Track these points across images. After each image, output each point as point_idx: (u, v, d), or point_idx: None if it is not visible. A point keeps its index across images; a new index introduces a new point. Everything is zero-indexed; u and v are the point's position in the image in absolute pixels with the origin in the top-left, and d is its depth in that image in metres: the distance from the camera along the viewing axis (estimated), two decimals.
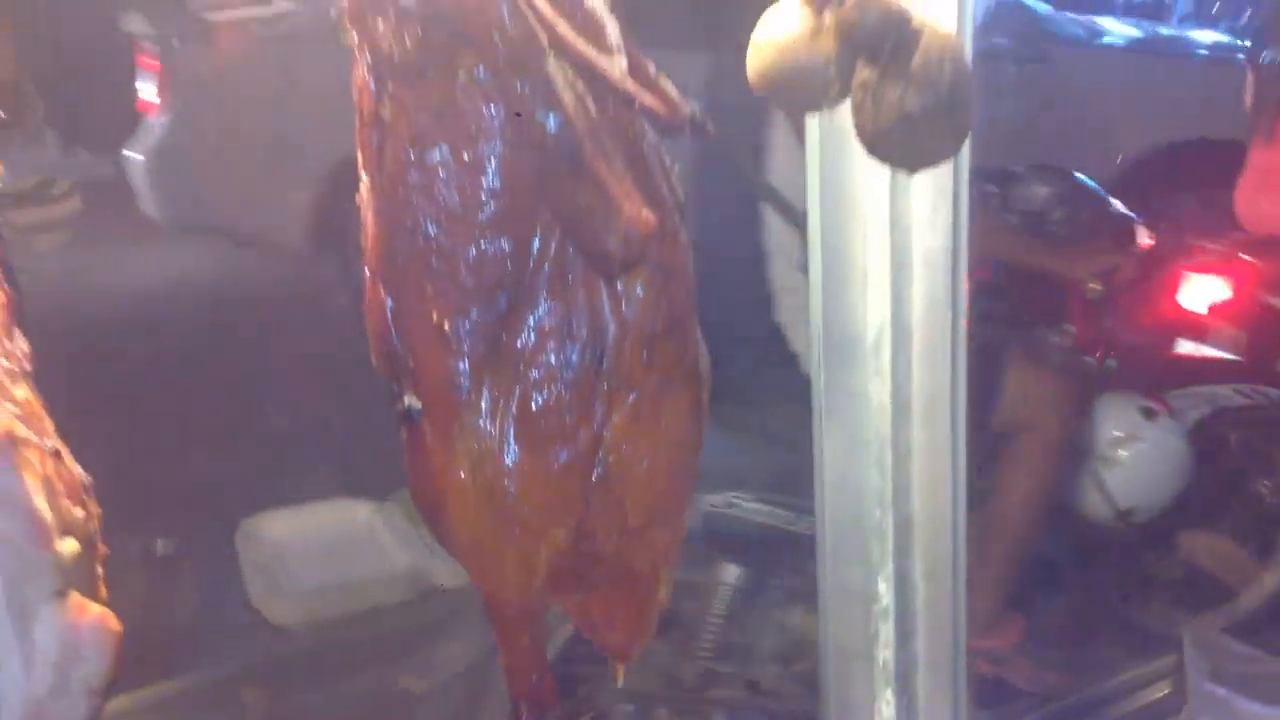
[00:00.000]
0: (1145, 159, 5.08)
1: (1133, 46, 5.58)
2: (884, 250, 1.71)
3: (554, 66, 1.01)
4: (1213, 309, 3.05)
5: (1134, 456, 2.88)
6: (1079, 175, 3.15)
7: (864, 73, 1.24)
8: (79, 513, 0.95)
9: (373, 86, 1.09)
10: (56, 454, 0.95)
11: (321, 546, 3.07)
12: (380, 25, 1.04)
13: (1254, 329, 3.01)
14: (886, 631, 1.97)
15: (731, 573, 2.88)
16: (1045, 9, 5.53)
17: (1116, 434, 2.90)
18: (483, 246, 1.08)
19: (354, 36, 1.09)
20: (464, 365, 1.10)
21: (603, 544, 1.18)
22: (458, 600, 3.01)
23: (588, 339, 1.11)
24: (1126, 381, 3.01)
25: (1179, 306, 3.10)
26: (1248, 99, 1.95)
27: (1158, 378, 3.07)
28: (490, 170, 1.05)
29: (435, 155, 1.06)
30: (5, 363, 0.98)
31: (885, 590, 1.94)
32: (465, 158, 1.05)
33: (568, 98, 1.02)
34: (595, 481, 1.14)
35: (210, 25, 4.36)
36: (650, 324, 1.13)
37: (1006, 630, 2.89)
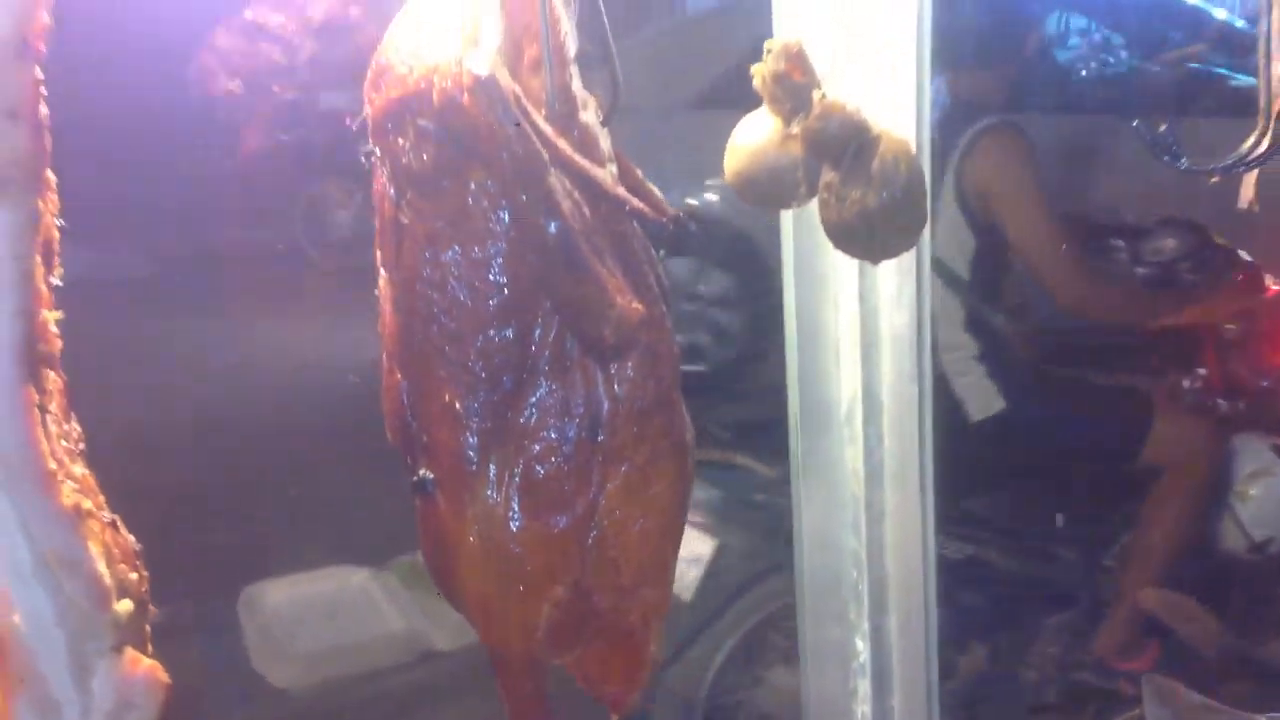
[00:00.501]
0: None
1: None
2: (854, 327, 1.87)
3: (554, 178, 1.15)
4: None
5: (1266, 491, 3.07)
6: (1204, 226, 3.32)
7: (828, 175, 1.39)
8: (133, 576, 1.06)
9: (392, 194, 1.22)
10: (114, 524, 1.07)
11: (321, 611, 3.16)
12: (401, 142, 1.18)
13: None
14: (864, 687, 2.09)
15: None
16: None
17: (1249, 470, 3.09)
18: (490, 334, 1.20)
19: (376, 150, 1.23)
20: (473, 440, 1.22)
21: (599, 601, 1.29)
22: (453, 663, 3.10)
23: (584, 416, 1.23)
24: (1258, 422, 3.21)
25: None
26: None
27: None
28: (497, 268, 1.18)
29: (448, 255, 1.19)
30: (65, 443, 1.10)
31: (863, 647, 2.06)
32: (475, 257, 1.18)
33: (566, 205, 1.16)
34: (591, 544, 1.26)
35: None
36: (640, 402, 1.26)
37: (1143, 655, 3.07)
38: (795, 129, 1.39)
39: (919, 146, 1.57)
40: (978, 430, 3.17)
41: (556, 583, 1.25)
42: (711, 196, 4.21)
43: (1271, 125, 1.24)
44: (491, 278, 1.19)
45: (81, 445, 1.14)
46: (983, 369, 3.17)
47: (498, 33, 1.16)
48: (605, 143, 1.29)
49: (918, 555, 1.98)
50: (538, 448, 1.23)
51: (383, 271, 1.27)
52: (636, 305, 1.20)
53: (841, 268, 1.81)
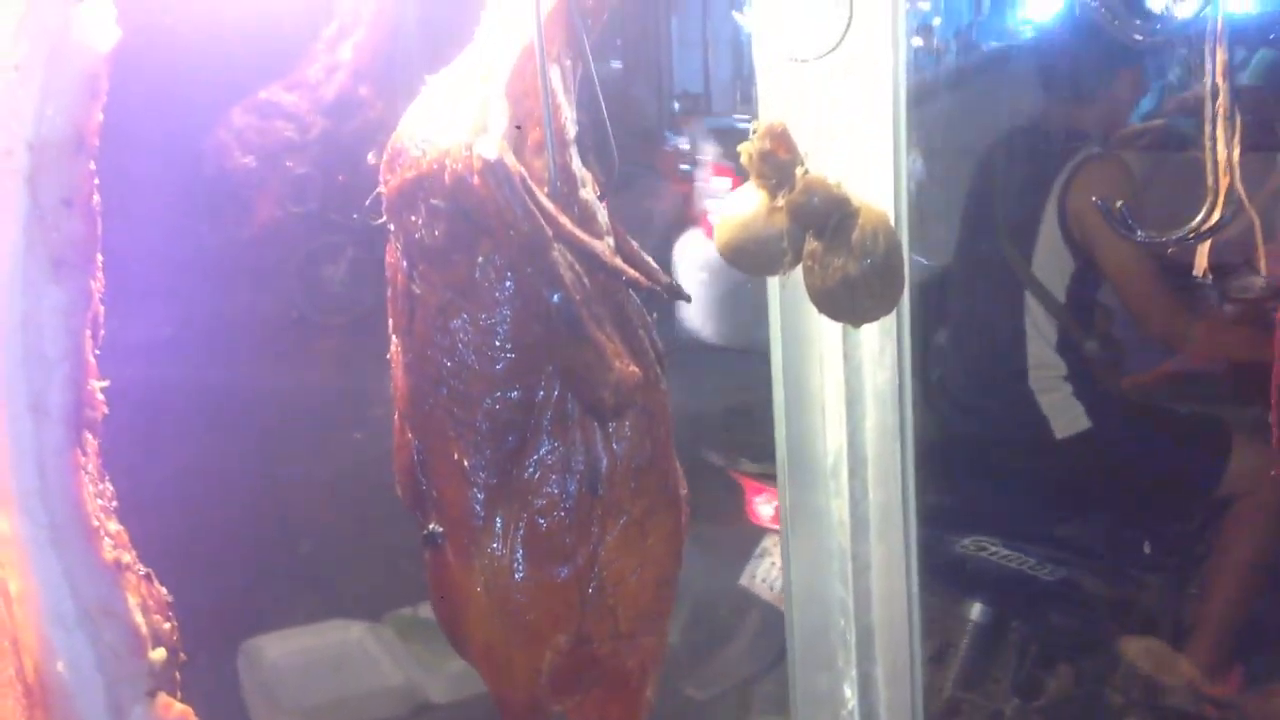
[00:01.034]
0: None
1: None
2: (839, 384, 1.96)
3: (557, 251, 1.24)
4: None
5: None
6: None
7: (812, 244, 1.48)
8: (166, 626, 1.13)
9: (404, 265, 1.31)
10: (148, 577, 1.14)
11: (319, 665, 3.21)
12: (414, 218, 1.27)
13: None
14: None
15: (977, 610, 3.17)
16: None
17: None
18: (496, 396, 1.29)
19: (390, 224, 1.32)
20: (480, 495, 1.30)
21: (598, 648, 1.36)
22: (449, 716, 3.14)
23: (584, 472, 1.32)
24: None
25: None
26: None
27: None
28: (503, 335, 1.27)
29: (457, 323, 1.28)
30: (101, 500, 1.17)
31: (851, 695, 2.13)
32: (482, 325, 1.27)
33: (568, 276, 1.25)
34: (591, 593, 1.33)
35: None
36: (637, 459, 1.34)
37: (1227, 679, 3.14)
38: (781, 202, 1.49)
39: (896, 219, 1.67)
40: (1061, 447, 3.30)
41: (559, 631, 1.33)
42: None
43: (1220, 200, 1.34)
44: (498, 344, 1.27)
45: (115, 503, 1.22)
46: (1069, 388, 3.31)
47: (504, 119, 1.26)
48: (603, 216, 1.38)
49: (903, 605, 2.05)
50: (541, 502, 1.31)
51: (395, 338, 1.36)
52: (634, 369, 1.29)
53: (826, 328, 1.90)
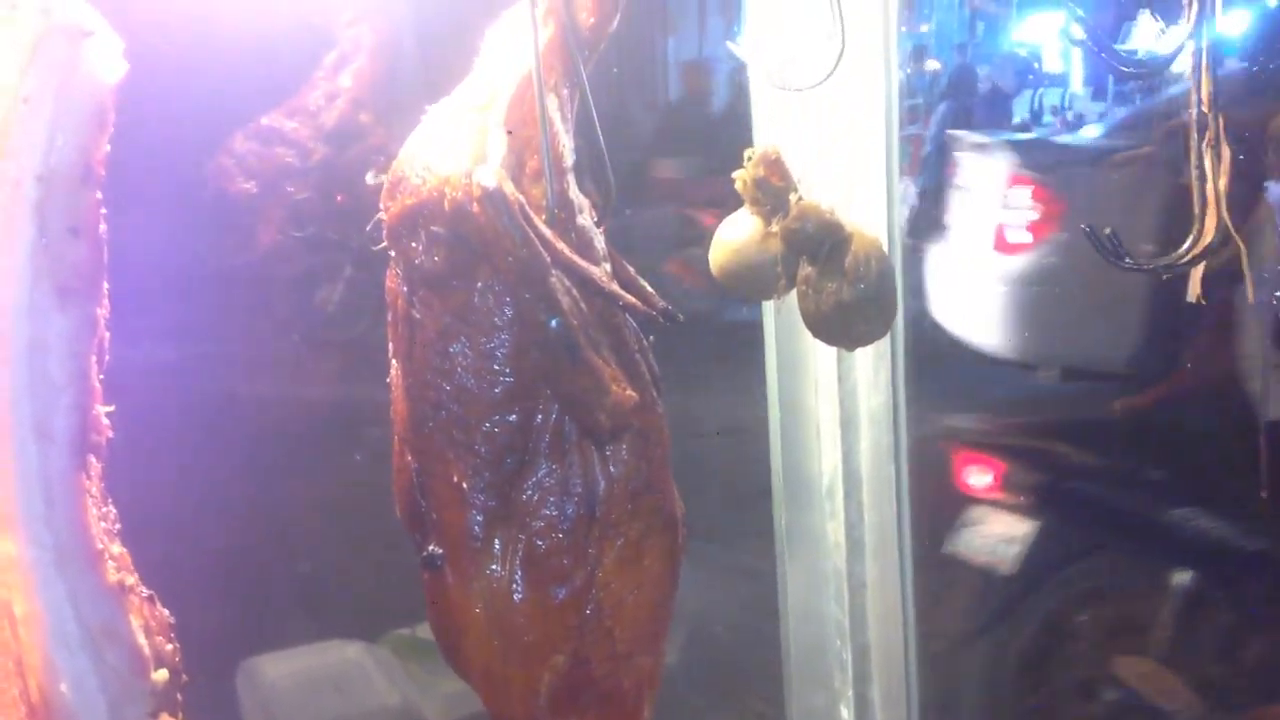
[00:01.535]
0: None
1: None
2: (834, 407, 1.98)
3: (555, 278, 1.26)
4: None
5: None
6: None
7: (806, 269, 1.51)
8: (168, 647, 1.15)
9: (405, 290, 1.33)
10: (151, 599, 1.16)
11: (316, 685, 3.20)
12: (414, 245, 1.29)
13: None
14: None
15: (1181, 579, 3.21)
16: None
17: None
18: (494, 420, 1.31)
19: (391, 250, 1.34)
20: (479, 518, 1.32)
21: (595, 669, 1.37)
22: None
23: (582, 494, 1.33)
24: None
25: None
26: None
27: None
28: (501, 359, 1.29)
29: (456, 347, 1.30)
30: (104, 523, 1.19)
31: (847, 715, 2.14)
32: (481, 349, 1.29)
33: (565, 302, 1.27)
34: (589, 614, 1.35)
35: None
36: (634, 481, 1.36)
37: None
38: (775, 228, 1.52)
39: (889, 244, 1.69)
40: (1268, 429, 3.40)
41: (556, 651, 1.34)
42: None
43: (1208, 227, 1.36)
44: (496, 368, 1.29)
45: (118, 525, 1.23)
46: (1276, 375, 3.40)
47: (502, 148, 1.28)
48: (600, 242, 1.40)
49: (898, 625, 2.07)
50: (539, 524, 1.33)
51: (395, 362, 1.37)
52: (630, 393, 1.31)
53: (821, 352, 1.92)
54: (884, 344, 1.89)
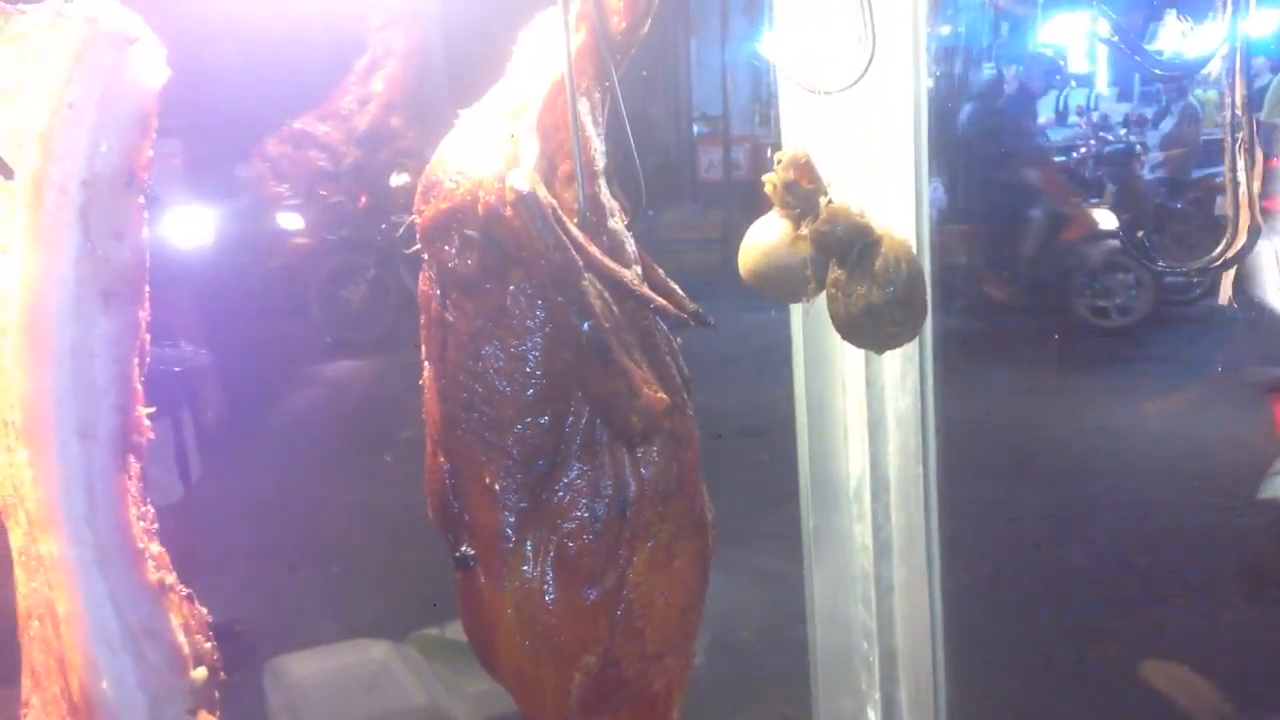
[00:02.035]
0: None
1: None
2: (861, 409, 1.98)
3: (587, 280, 1.27)
4: None
5: None
6: None
7: (835, 272, 1.51)
8: (207, 645, 1.16)
9: (438, 293, 1.34)
10: (190, 598, 1.17)
11: (343, 684, 3.23)
12: (448, 248, 1.31)
13: None
14: None
15: None
16: None
17: None
18: (526, 422, 1.32)
19: (424, 253, 1.35)
20: (511, 519, 1.33)
21: (625, 670, 1.38)
22: None
23: (613, 496, 1.34)
24: None
25: None
26: None
27: None
28: (533, 362, 1.30)
29: (489, 350, 1.31)
30: (143, 523, 1.20)
31: (874, 718, 2.13)
32: (514, 352, 1.30)
33: (597, 305, 1.27)
34: (620, 615, 1.36)
35: None
36: (664, 483, 1.36)
37: None
38: (804, 231, 1.52)
39: (919, 246, 1.69)
40: None
41: (587, 652, 1.35)
42: None
43: (1242, 229, 1.36)
44: (529, 370, 1.30)
45: (156, 525, 1.25)
46: None
47: (535, 152, 1.29)
48: (631, 245, 1.41)
49: (925, 628, 2.06)
50: (570, 525, 1.33)
51: (427, 364, 1.39)
52: (661, 395, 1.31)
53: (849, 354, 1.92)
54: (912, 346, 1.89)
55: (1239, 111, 1.27)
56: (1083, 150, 8.81)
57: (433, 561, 1.46)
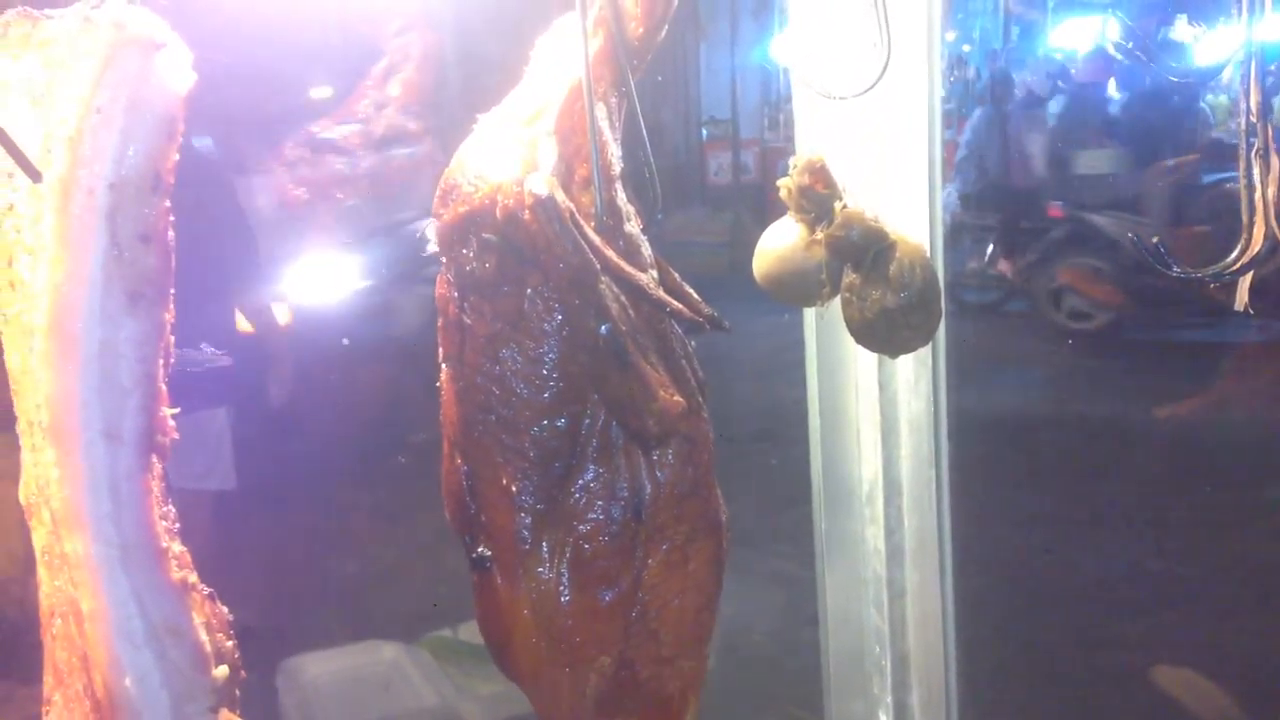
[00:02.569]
0: None
1: None
2: (874, 413, 1.98)
3: (604, 284, 1.28)
4: None
5: None
6: None
7: (850, 277, 1.52)
8: (228, 644, 1.18)
9: (455, 296, 1.36)
10: (212, 596, 1.18)
11: (356, 685, 3.24)
12: (466, 251, 1.32)
13: None
14: None
15: None
16: None
17: None
18: (543, 424, 1.33)
19: (442, 257, 1.36)
20: (527, 520, 1.34)
21: (640, 671, 1.39)
22: None
23: (628, 498, 1.35)
24: None
25: None
26: None
27: None
28: (550, 365, 1.31)
29: (506, 353, 1.32)
30: (165, 522, 1.22)
31: None
32: (531, 355, 1.31)
33: (614, 308, 1.28)
34: (635, 617, 1.37)
35: None
36: (680, 485, 1.37)
37: None
38: (819, 236, 1.53)
39: (933, 251, 1.70)
40: None
41: (603, 653, 1.36)
42: None
43: (1256, 236, 1.36)
44: (546, 373, 1.31)
45: (177, 524, 1.26)
46: None
47: (553, 156, 1.30)
48: (647, 249, 1.42)
49: (938, 632, 2.06)
50: (586, 527, 1.34)
51: (445, 366, 1.40)
52: (677, 398, 1.32)
53: (861, 358, 1.93)
54: (924, 350, 1.90)
55: (1254, 118, 1.28)
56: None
57: (446, 564, 1.47)
